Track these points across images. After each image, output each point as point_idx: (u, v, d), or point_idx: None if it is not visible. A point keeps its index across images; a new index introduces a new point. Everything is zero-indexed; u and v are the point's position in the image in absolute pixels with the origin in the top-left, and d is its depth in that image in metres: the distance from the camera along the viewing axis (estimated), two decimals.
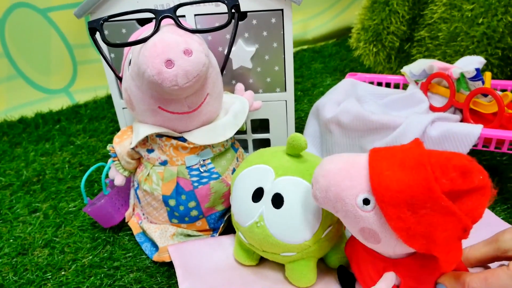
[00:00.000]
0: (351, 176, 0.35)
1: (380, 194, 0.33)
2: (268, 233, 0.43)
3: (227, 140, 0.54)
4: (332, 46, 1.33)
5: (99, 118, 0.93)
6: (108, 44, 0.45)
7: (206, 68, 0.43)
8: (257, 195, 0.44)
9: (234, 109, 0.53)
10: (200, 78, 0.43)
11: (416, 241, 0.32)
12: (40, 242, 0.57)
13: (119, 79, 0.52)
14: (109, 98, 1.03)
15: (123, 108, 0.65)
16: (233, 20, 0.49)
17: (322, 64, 1.19)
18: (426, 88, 0.64)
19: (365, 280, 0.40)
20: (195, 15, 0.57)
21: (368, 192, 0.34)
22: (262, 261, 0.50)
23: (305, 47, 1.36)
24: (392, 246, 0.35)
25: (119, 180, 0.55)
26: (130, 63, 0.47)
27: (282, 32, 0.58)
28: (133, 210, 0.59)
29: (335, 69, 1.15)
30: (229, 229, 0.55)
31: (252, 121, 0.66)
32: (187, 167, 0.51)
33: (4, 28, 0.92)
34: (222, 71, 0.55)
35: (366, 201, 0.34)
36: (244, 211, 0.45)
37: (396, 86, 0.74)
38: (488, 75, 0.61)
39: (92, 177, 0.71)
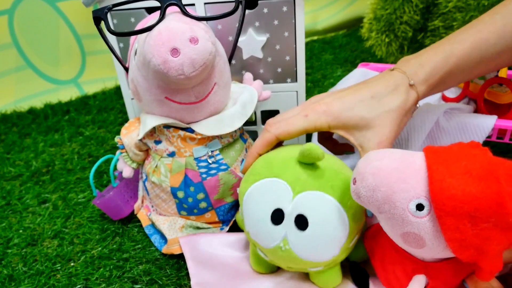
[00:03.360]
0: (406, 178, 0.32)
1: (441, 203, 0.30)
2: (295, 255, 0.40)
3: (235, 131, 0.53)
4: (343, 37, 1.31)
5: (108, 109, 0.93)
6: (112, 33, 0.45)
7: (212, 57, 0.42)
8: (277, 217, 0.40)
9: (242, 99, 0.52)
10: (207, 67, 0.42)
11: (466, 252, 0.30)
12: (49, 233, 0.58)
13: (126, 69, 0.51)
14: (117, 89, 1.02)
15: (132, 99, 0.64)
16: (240, 7, 0.47)
17: (333, 55, 1.17)
18: None
19: (389, 279, 0.38)
20: (205, 3, 0.56)
21: (424, 198, 0.31)
22: None
23: (315, 38, 1.35)
24: (435, 252, 0.33)
25: (127, 172, 0.55)
26: (136, 53, 0.46)
27: (293, 21, 0.57)
28: (142, 202, 0.59)
29: (346, 60, 1.13)
30: (234, 228, 0.54)
31: (262, 112, 0.65)
32: (195, 159, 0.50)
33: (13, 18, 0.92)
34: (230, 60, 0.54)
35: (419, 207, 0.31)
36: (263, 234, 0.41)
37: None
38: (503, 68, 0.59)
39: (101, 168, 0.71)
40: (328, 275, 0.44)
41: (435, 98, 0.60)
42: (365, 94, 0.46)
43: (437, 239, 0.31)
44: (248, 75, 0.58)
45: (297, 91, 0.62)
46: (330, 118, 0.45)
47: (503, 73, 0.57)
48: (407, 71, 0.46)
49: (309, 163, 0.42)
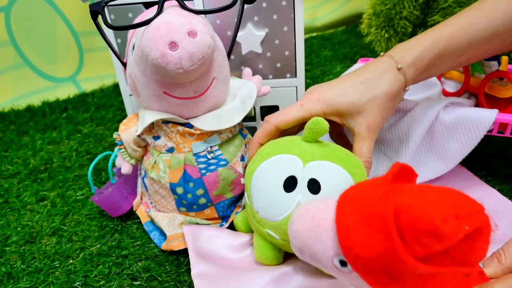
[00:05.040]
0: (320, 238, 0.31)
1: (352, 262, 0.28)
2: None
3: (234, 126, 0.53)
4: (342, 33, 1.31)
5: (106, 106, 0.93)
6: (109, 27, 0.44)
7: (211, 51, 0.42)
8: (290, 184, 0.42)
9: (241, 94, 0.51)
10: (206, 61, 0.42)
11: None
12: (48, 230, 0.57)
13: (124, 65, 0.50)
14: (116, 87, 1.02)
15: (130, 95, 0.64)
16: (238, 1, 0.47)
17: (332, 52, 1.16)
18: None
19: None
20: None
21: (342, 254, 0.29)
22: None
23: (314, 34, 1.34)
24: None
25: (125, 168, 0.54)
26: (133, 48, 0.46)
27: (292, 16, 0.56)
28: (141, 198, 0.58)
29: (345, 56, 1.12)
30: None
31: (261, 108, 0.64)
32: (194, 154, 0.50)
33: (10, 15, 0.91)
34: (229, 55, 0.53)
35: (343, 263, 0.30)
36: (275, 204, 0.42)
37: None
38: (504, 59, 0.59)
39: (99, 165, 0.71)
40: None
41: (435, 93, 0.59)
42: (354, 80, 0.48)
43: None
44: (247, 70, 0.58)
45: (296, 87, 0.62)
46: (323, 106, 0.47)
47: (504, 66, 0.57)
48: (395, 56, 0.48)
49: (313, 141, 0.44)
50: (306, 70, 1.03)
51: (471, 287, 0.29)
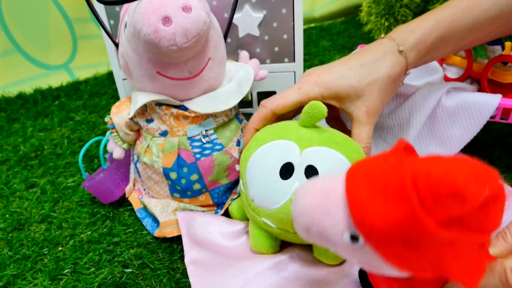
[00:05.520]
0: (329, 212, 0.29)
1: (366, 233, 0.27)
2: None
3: (230, 110, 0.51)
4: (340, 24, 1.29)
5: (99, 94, 0.91)
6: (101, 1, 0.42)
7: (206, 27, 0.40)
8: (287, 170, 0.40)
9: (238, 77, 0.50)
10: (201, 38, 0.40)
11: (425, 273, 0.27)
12: (37, 217, 0.55)
13: (116, 45, 0.49)
14: (110, 75, 1.00)
15: (124, 79, 0.62)
16: None
17: (330, 42, 1.15)
18: (441, 59, 0.60)
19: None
20: None
21: (354, 228, 0.28)
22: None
23: (312, 25, 1.32)
24: (398, 274, 0.29)
25: (117, 153, 0.53)
26: (126, 26, 0.44)
27: None
28: (134, 185, 0.56)
29: (344, 46, 1.11)
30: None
31: (259, 94, 0.63)
32: (189, 138, 0.48)
33: (1, 0, 0.89)
34: (225, 37, 0.52)
35: (354, 238, 0.28)
36: (271, 191, 0.41)
37: None
38: (508, 44, 0.57)
39: (91, 152, 0.69)
40: None
41: (437, 79, 0.58)
42: (354, 63, 0.46)
43: (390, 266, 0.27)
44: (244, 54, 0.56)
45: (294, 72, 0.60)
46: (322, 89, 0.45)
47: (508, 51, 0.55)
48: (396, 38, 0.46)
49: (311, 126, 0.42)
50: (304, 60, 1.01)
51: (484, 261, 0.28)
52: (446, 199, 0.23)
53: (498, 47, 0.54)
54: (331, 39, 1.16)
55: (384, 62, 0.45)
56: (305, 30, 1.24)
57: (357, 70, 0.46)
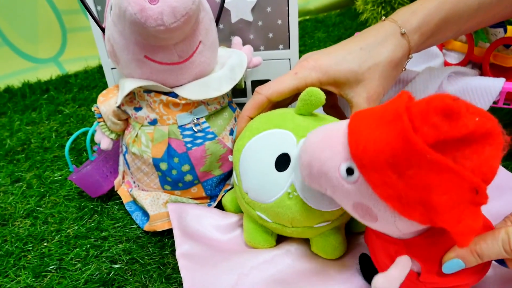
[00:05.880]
0: (330, 145, 0.30)
1: (358, 159, 0.27)
2: (303, 203, 0.37)
3: (223, 97, 0.49)
4: (336, 16, 1.27)
5: (90, 87, 0.88)
6: None
7: (196, 7, 0.38)
8: (283, 162, 0.38)
9: (230, 63, 0.47)
10: (190, 18, 0.38)
11: (413, 211, 0.26)
12: (22, 212, 0.53)
13: (102, 30, 0.46)
14: (100, 68, 0.97)
15: (113, 69, 0.60)
16: None
17: (326, 34, 1.13)
18: (440, 44, 0.58)
19: (383, 270, 0.35)
20: None
21: (350, 160, 0.29)
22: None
23: (307, 17, 1.30)
24: (391, 222, 0.29)
25: (105, 143, 0.50)
26: (111, 8, 0.42)
27: None
28: (123, 177, 0.54)
29: (339, 38, 1.09)
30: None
31: (253, 83, 0.60)
32: (179, 127, 0.46)
33: None
34: (217, 22, 0.49)
35: (350, 171, 0.29)
36: (266, 184, 0.38)
37: None
38: (510, 28, 0.55)
39: (81, 145, 0.67)
40: (334, 237, 0.40)
41: (437, 64, 0.56)
42: (354, 46, 0.44)
43: (380, 204, 0.28)
44: (237, 40, 0.54)
45: (290, 59, 0.58)
46: (320, 74, 0.43)
47: (511, 33, 0.53)
48: (398, 20, 0.44)
49: (308, 114, 0.40)
50: (299, 51, 0.99)
51: (480, 216, 0.26)
52: (434, 114, 0.24)
53: (501, 30, 0.52)
54: (326, 31, 1.14)
55: (385, 46, 0.43)
56: (300, 22, 1.22)
57: (357, 54, 0.43)
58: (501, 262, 0.30)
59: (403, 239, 0.31)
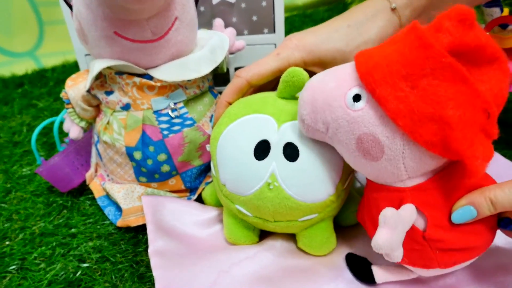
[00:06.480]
0: (336, 77, 0.30)
1: (368, 77, 0.27)
2: (286, 194, 0.34)
3: (203, 81, 0.45)
4: (324, 11, 1.25)
5: None
6: None
7: None
8: (262, 149, 0.34)
9: (211, 44, 0.44)
10: None
11: (425, 130, 0.25)
12: None
13: (70, 7, 0.42)
14: None
15: (86, 55, 0.56)
16: None
17: None
18: None
19: None
20: None
21: (357, 86, 0.29)
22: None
23: (294, 12, 1.28)
24: (399, 156, 0.27)
25: (75, 132, 0.46)
26: None
27: None
28: (96, 170, 0.50)
29: None
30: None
31: (236, 69, 0.57)
32: (155, 112, 0.42)
33: None
34: (196, 2, 0.46)
35: (356, 98, 0.28)
36: (245, 174, 0.35)
37: None
38: (505, 10, 0.53)
39: (52, 139, 0.62)
40: (322, 232, 0.37)
41: None
42: (341, 24, 0.41)
43: (389, 129, 0.27)
44: (218, 21, 0.50)
45: (275, 44, 0.54)
46: (304, 53, 0.40)
47: (506, 14, 0.51)
48: None
49: (291, 97, 0.37)
50: None
51: (490, 145, 0.26)
52: (449, 20, 0.25)
53: (497, 9, 0.49)
54: (314, 25, 1.11)
55: (374, 22, 0.40)
56: (287, 17, 1.19)
57: (344, 32, 0.40)
58: (506, 225, 0.29)
59: (408, 187, 0.29)
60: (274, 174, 0.34)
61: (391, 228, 0.27)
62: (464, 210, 0.28)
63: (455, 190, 0.28)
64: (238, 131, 0.36)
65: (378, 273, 0.34)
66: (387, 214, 0.27)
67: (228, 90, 0.41)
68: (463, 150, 0.24)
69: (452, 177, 0.28)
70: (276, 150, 0.34)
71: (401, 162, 0.28)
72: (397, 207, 0.28)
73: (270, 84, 0.45)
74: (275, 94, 0.38)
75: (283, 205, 0.34)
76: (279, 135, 0.34)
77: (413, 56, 0.25)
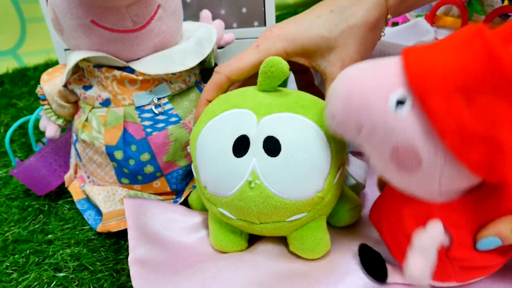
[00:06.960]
0: (379, 74, 0.26)
1: (419, 84, 0.23)
2: (269, 192, 0.31)
3: (189, 75, 0.42)
4: None
5: None
6: None
7: None
8: (241, 146, 0.32)
9: (197, 35, 0.41)
10: None
11: (472, 151, 0.22)
12: None
13: None
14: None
15: (66, 50, 0.53)
16: None
17: None
18: (431, 20, 0.54)
19: (401, 246, 0.29)
20: None
21: (403, 88, 0.25)
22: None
23: (285, 11, 1.26)
24: (436, 171, 0.24)
25: (51, 131, 0.43)
26: None
27: None
28: (76, 172, 0.47)
29: None
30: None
31: None
32: (137, 108, 0.39)
33: None
34: None
35: (400, 102, 0.25)
36: (224, 173, 0.32)
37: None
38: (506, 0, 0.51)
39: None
40: (314, 232, 0.34)
41: (429, 40, 0.51)
42: (324, 9, 0.38)
43: (431, 143, 0.24)
44: (206, 13, 0.48)
45: None
46: (285, 43, 0.37)
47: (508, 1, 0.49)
48: None
49: (272, 89, 0.34)
50: None
51: None
52: None
53: (498, 0, 0.47)
54: None
55: (359, 5, 0.37)
56: (278, 16, 1.17)
57: (327, 17, 0.37)
58: None
59: (437, 203, 0.27)
60: (255, 171, 0.31)
61: (425, 256, 0.26)
62: (489, 240, 0.27)
63: (484, 211, 0.27)
64: (216, 128, 0.33)
65: (391, 272, 0.32)
66: (424, 240, 0.26)
67: (207, 87, 0.38)
68: (509, 175, 0.23)
69: (483, 198, 0.27)
70: (256, 145, 0.31)
71: (437, 179, 0.25)
72: (423, 222, 0.27)
73: (253, 79, 0.43)
74: (255, 88, 0.35)
75: (266, 204, 0.31)
76: (259, 129, 0.32)
77: (476, 68, 0.22)
